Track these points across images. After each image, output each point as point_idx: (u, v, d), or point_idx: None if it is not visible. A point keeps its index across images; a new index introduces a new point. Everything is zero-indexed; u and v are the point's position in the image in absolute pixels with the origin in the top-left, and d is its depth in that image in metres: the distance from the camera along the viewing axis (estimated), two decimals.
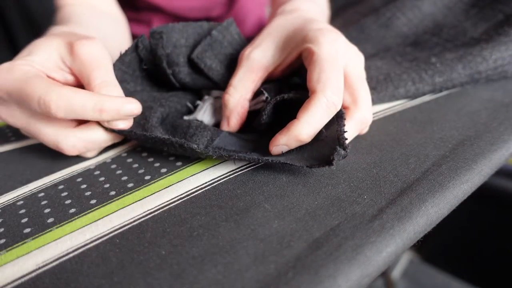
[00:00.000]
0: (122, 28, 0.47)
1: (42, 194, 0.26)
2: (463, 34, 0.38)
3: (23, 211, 0.24)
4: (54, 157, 0.30)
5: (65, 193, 0.25)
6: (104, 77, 0.27)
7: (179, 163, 0.27)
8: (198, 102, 0.32)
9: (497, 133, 0.27)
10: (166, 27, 0.30)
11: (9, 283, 0.19)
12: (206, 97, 0.32)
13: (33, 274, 0.19)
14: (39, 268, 0.19)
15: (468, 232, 0.84)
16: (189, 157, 0.28)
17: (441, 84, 0.33)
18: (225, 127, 0.29)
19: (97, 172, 0.27)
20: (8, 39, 0.88)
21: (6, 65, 0.26)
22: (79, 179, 0.27)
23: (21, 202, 0.25)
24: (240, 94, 0.29)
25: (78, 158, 0.29)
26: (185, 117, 0.31)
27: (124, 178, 0.26)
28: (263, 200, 0.22)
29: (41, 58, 0.27)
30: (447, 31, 0.39)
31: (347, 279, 0.17)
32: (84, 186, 0.26)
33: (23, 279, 0.19)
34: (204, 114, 0.31)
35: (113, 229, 0.22)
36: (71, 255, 0.20)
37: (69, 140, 0.27)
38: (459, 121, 0.29)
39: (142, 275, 0.18)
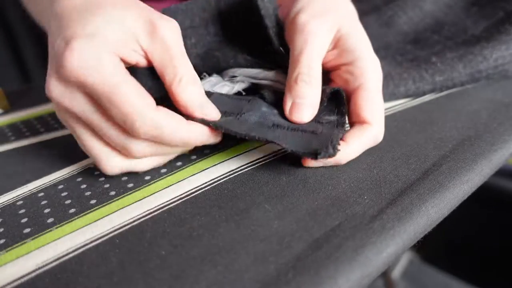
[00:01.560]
0: None
1: (42, 194, 0.26)
2: (464, 31, 0.38)
3: (22, 211, 0.24)
4: (54, 157, 0.30)
5: (65, 193, 0.25)
6: (189, 73, 0.23)
7: (179, 163, 0.27)
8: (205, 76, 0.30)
9: (497, 133, 0.27)
10: (168, 10, 0.28)
11: (9, 283, 0.19)
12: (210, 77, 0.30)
13: (33, 275, 0.19)
14: (39, 268, 0.19)
15: (468, 232, 0.84)
16: (189, 157, 0.28)
17: (442, 83, 0.33)
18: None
19: (97, 172, 0.27)
20: (8, 39, 0.88)
21: (93, 54, 0.21)
22: (79, 179, 0.27)
23: (21, 202, 0.25)
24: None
25: (78, 157, 0.29)
26: None
27: (124, 178, 0.26)
28: (263, 200, 0.22)
29: (116, 39, 0.22)
30: (448, 29, 0.39)
31: (347, 280, 0.17)
32: (84, 186, 0.26)
33: (23, 279, 0.19)
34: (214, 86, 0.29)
35: (113, 229, 0.21)
36: (71, 255, 0.20)
37: (140, 144, 0.23)
38: (459, 121, 0.29)
39: (142, 275, 0.18)
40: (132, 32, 0.23)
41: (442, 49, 0.37)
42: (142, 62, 0.24)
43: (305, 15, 0.27)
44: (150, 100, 0.22)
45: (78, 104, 0.22)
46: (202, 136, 0.24)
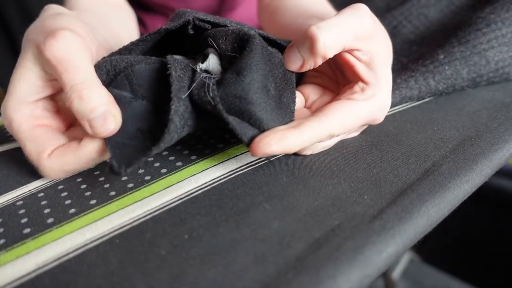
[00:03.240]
0: (131, 19, 0.45)
1: (42, 194, 0.26)
2: (468, 31, 0.38)
3: (22, 211, 0.24)
4: None
5: (64, 193, 0.25)
6: (75, 87, 0.23)
7: (179, 163, 0.27)
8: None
9: (498, 133, 0.27)
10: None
11: (8, 283, 0.19)
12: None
13: (32, 275, 0.19)
14: (39, 268, 0.19)
15: (468, 232, 0.84)
16: (189, 157, 0.28)
17: (443, 90, 0.33)
18: None
19: (97, 172, 0.27)
20: (8, 39, 0.88)
21: (6, 116, 0.24)
22: (79, 179, 0.27)
23: (21, 202, 0.25)
24: None
25: None
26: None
27: (124, 178, 0.26)
28: (263, 200, 0.22)
29: (26, 87, 0.25)
30: (453, 32, 0.39)
31: (348, 280, 0.17)
32: (84, 186, 0.26)
33: (22, 280, 0.19)
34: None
35: (113, 229, 0.21)
36: (70, 255, 0.20)
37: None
38: (460, 121, 0.29)
39: (142, 276, 0.18)
40: (39, 67, 0.24)
41: (448, 44, 0.36)
42: (58, 87, 0.26)
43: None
44: (43, 150, 0.24)
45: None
46: (91, 156, 0.24)
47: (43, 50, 0.23)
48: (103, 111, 0.23)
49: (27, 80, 0.25)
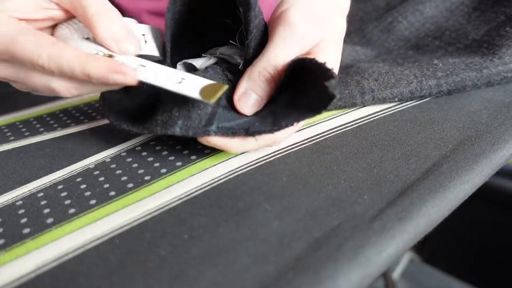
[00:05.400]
0: None
1: (41, 194, 0.25)
2: (465, 36, 0.38)
3: (22, 211, 0.24)
4: (53, 156, 0.30)
5: (64, 193, 0.25)
6: (98, 2, 0.24)
7: (179, 163, 0.27)
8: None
9: (498, 133, 0.27)
10: None
11: (8, 284, 0.19)
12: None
13: (32, 275, 0.19)
14: (39, 268, 0.19)
15: (468, 232, 0.84)
16: (189, 157, 0.28)
17: (445, 80, 0.33)
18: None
19: (96, 172, 0.27)
20: None
21: None
22: (79, 179, 0.27)
23: (20, 202, 0.25)
24: None
25: (77, 157, 0.29)
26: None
27: (124, 178, 0.26)
28: (263, 200, 0.22)
29: (17, 3, 0.24)
30: (449, 34, 0.39)
31: (348, 280, 0.17)
32: (83, 186, 0.26)
33: (22, 280, 0.19)
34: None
35: (113, 229, 0.21)
36: (70, 255, 0.20)
37: (59, 82, 0.25)
38: (460, 121, 0.29)
39: (141, 276, 0.18)
40: None
41: (444, 54, 0.36)
42: (59, 15, 0.26)
43: (297, 14, 0.27)
44: (50, 39, 0.24)
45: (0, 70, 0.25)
46: (100, 69, 0.23)
47: None
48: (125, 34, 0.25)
49: None
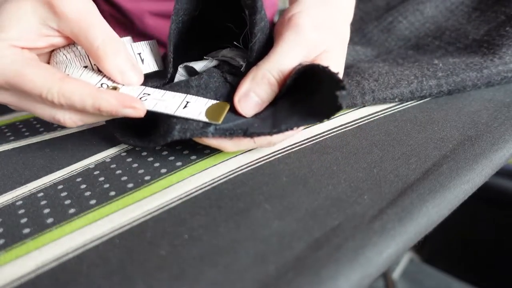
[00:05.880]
0: None
1: (41, 194, 0.25)
2: (465, 36, 0.38)
3: (22, 211, 0.24)
4: (53, 156, 0.30)
5: (64, 193, 0.25)
6: (104, 34, 0.24)
7: (179, 163, 0.27)
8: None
9: (498, 133, 0.27)
10: None
11: (8, 284, 0.19)
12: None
13: (32, 275, 0.19)
14: (39, 268, 0.19)
15: (468, 232, 0.84)
16: (189, 157, 0.28)
17: (446, 80, 0.33)
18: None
19: (96, 172, 0.27)
20: None
21: None
22: (79, 179, 0.27)
23: (20, 202, 0.25)
24: None
25: (78, 157, 0.29)
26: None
27: (124, 178, 0.26)
28: (263, 200, 0.22)
29: (19, 32, 0.24)
30: (449, 34, 0.39)
31: (348, 280, 0.17)
32: (83, 186, 0.26)
33: (22, 280, 0.19)
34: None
35: (113, 229, 0.21)
36: (70, 255, 0.20)
37: (66, 114, 0.25)
38: (460, 121, 0.29)
39: (142, 276, 0.18)
40: (37, 18, 0.24)
41: (444, 54, 0.36)
42: (60, 41, 0.26)
43: (307, 20, 0.27)
44: (59, 74, 0.24)
45: (3, 98, 0.25)
46: (111, 104, 0.23)
47: (58, 5, 0.23)
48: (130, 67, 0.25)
49: (21, 25, 0.24)
